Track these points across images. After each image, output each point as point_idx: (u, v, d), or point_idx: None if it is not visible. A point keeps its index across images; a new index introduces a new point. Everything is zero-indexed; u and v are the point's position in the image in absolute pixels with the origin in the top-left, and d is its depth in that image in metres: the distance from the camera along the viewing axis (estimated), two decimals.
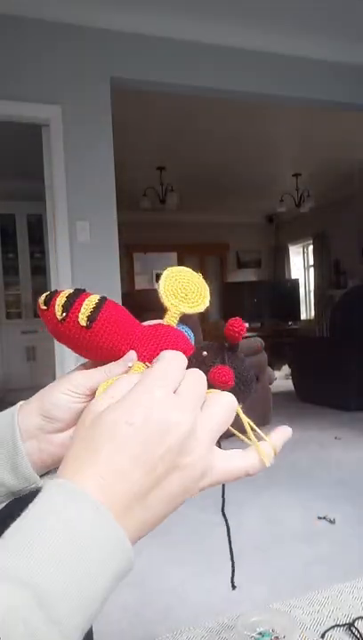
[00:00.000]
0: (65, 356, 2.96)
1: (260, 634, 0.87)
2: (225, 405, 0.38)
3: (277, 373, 6.00)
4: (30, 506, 0.30)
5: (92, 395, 0.46)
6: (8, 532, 0.29)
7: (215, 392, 0.39)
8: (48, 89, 3.00)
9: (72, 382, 0.48)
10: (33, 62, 2.97)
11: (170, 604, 1.54)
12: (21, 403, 0.51)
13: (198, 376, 0.38)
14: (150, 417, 0.32)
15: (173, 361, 0.37)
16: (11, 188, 5.85)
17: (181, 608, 1.51)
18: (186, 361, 0.38)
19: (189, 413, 0.34)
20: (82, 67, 3.06)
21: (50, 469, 0.50)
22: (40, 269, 6.15)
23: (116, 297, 3.12)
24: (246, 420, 0.42)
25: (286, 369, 6.59)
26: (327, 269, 7.82)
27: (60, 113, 3.01)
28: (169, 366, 0.36)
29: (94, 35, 3.08)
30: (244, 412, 0.43)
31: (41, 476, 0.49)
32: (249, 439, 0.42)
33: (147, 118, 4.58)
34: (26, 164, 4.88)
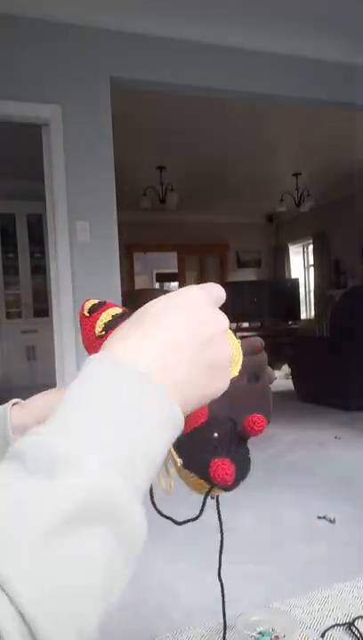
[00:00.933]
0: (65, 355, 2.96)
1: (260, 633, 0.87)
2: None
3: (277, 373, 6.00)
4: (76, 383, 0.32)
5: None
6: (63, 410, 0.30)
7: None
8: (48, 89, 3.00)
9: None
10: (33, 62, 2.97)
11: (166, 601, 1.54)
12: (14, 400, 0.51)
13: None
14: (193, 309, 0.35)
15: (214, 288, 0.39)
16: (11, 187, 5.85)
17: (178, 606, 1.51)
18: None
19: (224, 317, 0.37)
20: (82, 66, 3.06)
21: None
22: (40, 269, 6.15)
23: (116, 297, 3.12)
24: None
25: (285, 369, 6.59)
26: (327, 269, 7.82)
27: (60, 113, 3.01)
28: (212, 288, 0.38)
29: (94, 34, 3.08)
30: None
31: None
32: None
33: (147, 118, 4.58)
34: (26, 164, 4.88)
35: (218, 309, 0.37)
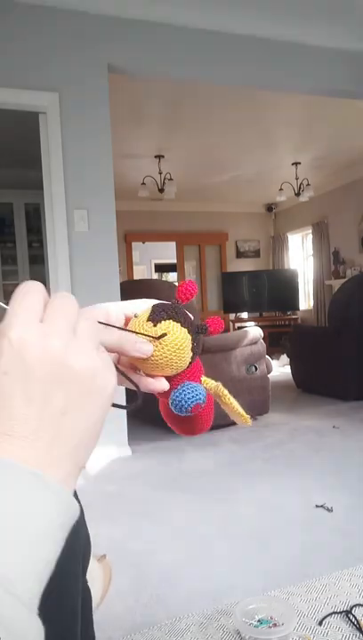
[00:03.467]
0: None
1: (258, 621, 0.88)
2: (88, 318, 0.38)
3: (275, 363, 6.01)
4: None
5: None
6: None
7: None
8: (45, 76, 2.96)
9: None
10: (29, 49, 2.93)
11: (165, 589, 1.55)
12: None
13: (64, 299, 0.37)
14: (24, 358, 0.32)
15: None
16: (8, 176, 5.81)
17: (176, 594, 1.52)
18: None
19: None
20: (79, 53, 3.03)
21: None
22: (38, 258, 6.13)
23: (114, 286, 3.12)
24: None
25: (284, 358, 6.60)
26: (327, 259, 7.80)
27: (58, 100, 2.97)
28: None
29: (92, 21, 3.04)
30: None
31: None
32: None
33: (145, 106, 4.54)
34: (23, 153, 4.85)
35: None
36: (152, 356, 0.47)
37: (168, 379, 0.50)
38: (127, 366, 0.49)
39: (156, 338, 0.47)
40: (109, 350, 0.41)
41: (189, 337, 0.49)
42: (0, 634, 0.25)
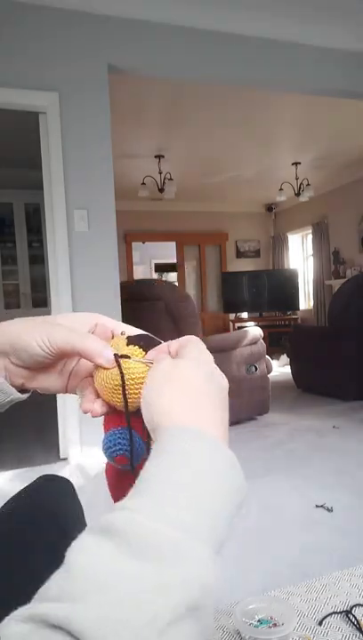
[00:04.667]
0: None
1: (258, 621, 0.88)
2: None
3: (275, 363, 6.01)
4: (158, 454, 0.36)
5: (63, 354, 0.48)
6: (150, 479, 0.34)
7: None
8: (45, 75, 2.96)
9: (52, 339, 0.47)
10: (29, 48, 2.93)
11: None
12: None
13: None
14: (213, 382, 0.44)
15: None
16: (8, 176, 5.81)
17: None
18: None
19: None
20: (79, 53, 3.03)
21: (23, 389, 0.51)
22: (38, 258, 6.13)
23: (114, 287, 3.12)
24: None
25: (284, 358, 6.60)
26: (327, 259, 7.80)
27: (58, 100, 2.97)
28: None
29: (92, 20, 3.04)
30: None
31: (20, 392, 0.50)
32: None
33: (145, 106, 4.54)
34: (23, 153, 4.85)
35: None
36: (110, 373, 0.45)
37: (111, 419, 0.47)
38: (84, 379, 0.50)
39: (120, 356, 0.46)
40: (81, 353, 0.47)
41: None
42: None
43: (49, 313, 3.14)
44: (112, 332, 0.50)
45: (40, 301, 6.10)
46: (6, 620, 0.26)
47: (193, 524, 0.31)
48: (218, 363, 0.46)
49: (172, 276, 10.30)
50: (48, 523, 0.67)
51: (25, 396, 0.51)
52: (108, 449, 0.46)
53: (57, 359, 0.49)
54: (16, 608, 0.27)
